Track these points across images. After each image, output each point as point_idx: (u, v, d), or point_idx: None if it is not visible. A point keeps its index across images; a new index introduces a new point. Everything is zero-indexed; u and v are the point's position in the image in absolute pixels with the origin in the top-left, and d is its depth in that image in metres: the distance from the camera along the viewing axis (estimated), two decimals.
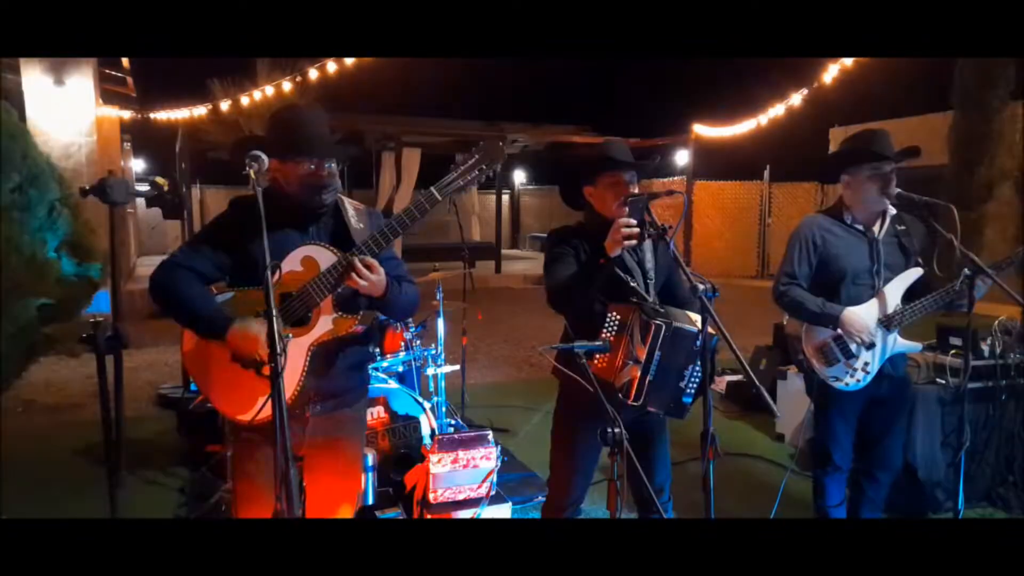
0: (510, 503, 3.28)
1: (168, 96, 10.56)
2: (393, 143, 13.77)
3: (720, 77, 22.10)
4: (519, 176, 22.66)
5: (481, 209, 18.75)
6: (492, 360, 7.40)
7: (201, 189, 17.01)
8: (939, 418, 3.50)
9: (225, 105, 9.52)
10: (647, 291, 2.29)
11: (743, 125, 11.31)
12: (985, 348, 3.58)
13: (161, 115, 10.43)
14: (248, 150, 1.76)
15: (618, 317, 2.18)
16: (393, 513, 3.32)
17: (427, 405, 3.86)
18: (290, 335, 1.95)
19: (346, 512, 2.19)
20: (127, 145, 14.69)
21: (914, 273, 2.72)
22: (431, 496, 3.08)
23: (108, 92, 10.30)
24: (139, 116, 10.76)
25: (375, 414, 3.67)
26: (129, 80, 10.83)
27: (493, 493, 3.19)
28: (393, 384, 3.82)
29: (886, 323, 2.68)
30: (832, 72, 8.15)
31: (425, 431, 3.76)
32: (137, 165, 18.14)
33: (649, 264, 2.36)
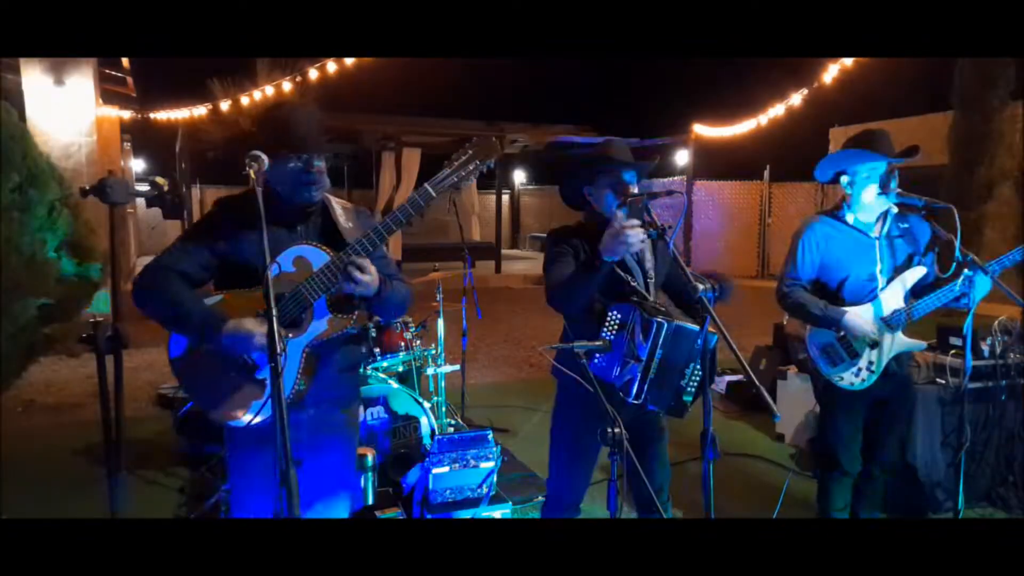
0: (510, 503, 3.28)
1: (168, 96, 10.60)
2: (393, 143, 13.79)
3: (720, 77, 22.18)
4: (519, 176, 22.69)
5: (481, 209, 18.73)
6: (492, 360, 7.39)
7: (201, 189, 17.03)
8: (939, 418, 3.50)
9: (225, 105, 9.52)
10: (647, 290, 2.29)
11: (743, 125, 11.33)
12: (985, 348, 3.58)
13: (161, 115, 10.45)
14: (238, 147, 1.74)
15: (618, 316, 2.19)
16: (393, 513, 3.32)
17: (427, 405, 3.86)
18: (290, 335, 1.94)
19: (340, 514, 2.18)
20: (127, 145, 14.70)
21: (916, 272, 2.72)
22: (431, 496, 3.08)
23: (108, 92, 10.30)
24: (139, 116, 10.77)
25: (375, 414, 3.67)
26: (129, 80, 10.83)
27: (493, 493, 3.19)
28: (393, 384, 3.82)
29: (889, 322, 2.68)
30: (832, 72, 8.17)
31: (425, 431, 3.76)
32: (137, 165, 18.16)
33: (649, 264, 2.36)
